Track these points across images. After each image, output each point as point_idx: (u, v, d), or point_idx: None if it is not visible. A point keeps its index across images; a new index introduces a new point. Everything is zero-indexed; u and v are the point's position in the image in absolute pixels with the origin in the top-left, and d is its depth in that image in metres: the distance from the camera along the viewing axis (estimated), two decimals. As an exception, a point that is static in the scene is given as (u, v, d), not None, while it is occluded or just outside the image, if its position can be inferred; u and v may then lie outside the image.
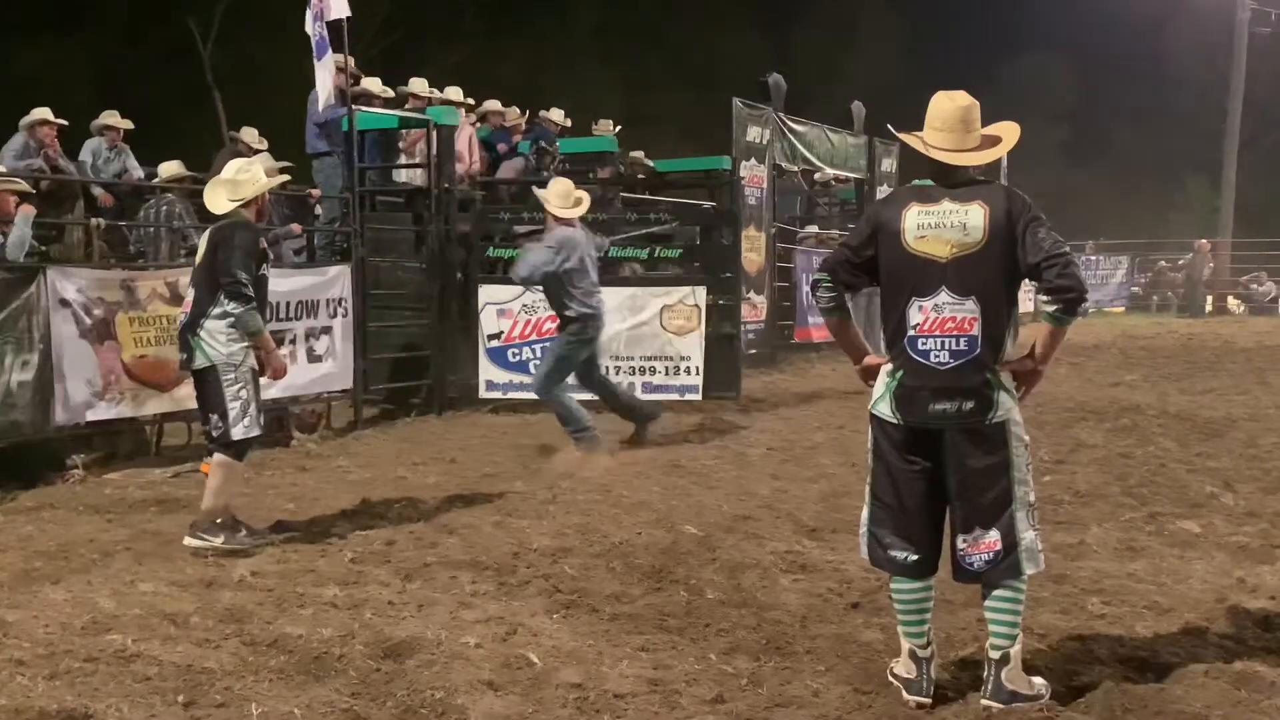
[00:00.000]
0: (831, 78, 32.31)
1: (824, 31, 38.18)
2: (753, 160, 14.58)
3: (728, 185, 13.46)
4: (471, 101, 12.04)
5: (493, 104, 12.70)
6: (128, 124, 10.34)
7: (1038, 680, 3.71)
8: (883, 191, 18.04)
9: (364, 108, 10.32)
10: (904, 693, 3.75)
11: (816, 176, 17.25)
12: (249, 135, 10.85)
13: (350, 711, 3.68)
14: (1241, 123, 28.12)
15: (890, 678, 3.84)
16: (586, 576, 5.10)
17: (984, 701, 3.64)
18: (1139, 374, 13.19)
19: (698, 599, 4.81)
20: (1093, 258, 28.55)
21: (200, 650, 4.15)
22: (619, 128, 14.24)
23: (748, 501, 6.60)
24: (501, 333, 10.10)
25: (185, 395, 7.00)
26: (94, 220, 8.80)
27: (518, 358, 10.06)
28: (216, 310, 5.58)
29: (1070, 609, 4.63)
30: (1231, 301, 27.83)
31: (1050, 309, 3.62)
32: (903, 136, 3.88)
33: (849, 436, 8.82)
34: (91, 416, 7.47)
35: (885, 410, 3.72)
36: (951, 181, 3.69)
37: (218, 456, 5.69)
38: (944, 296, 3.60)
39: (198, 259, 5.80)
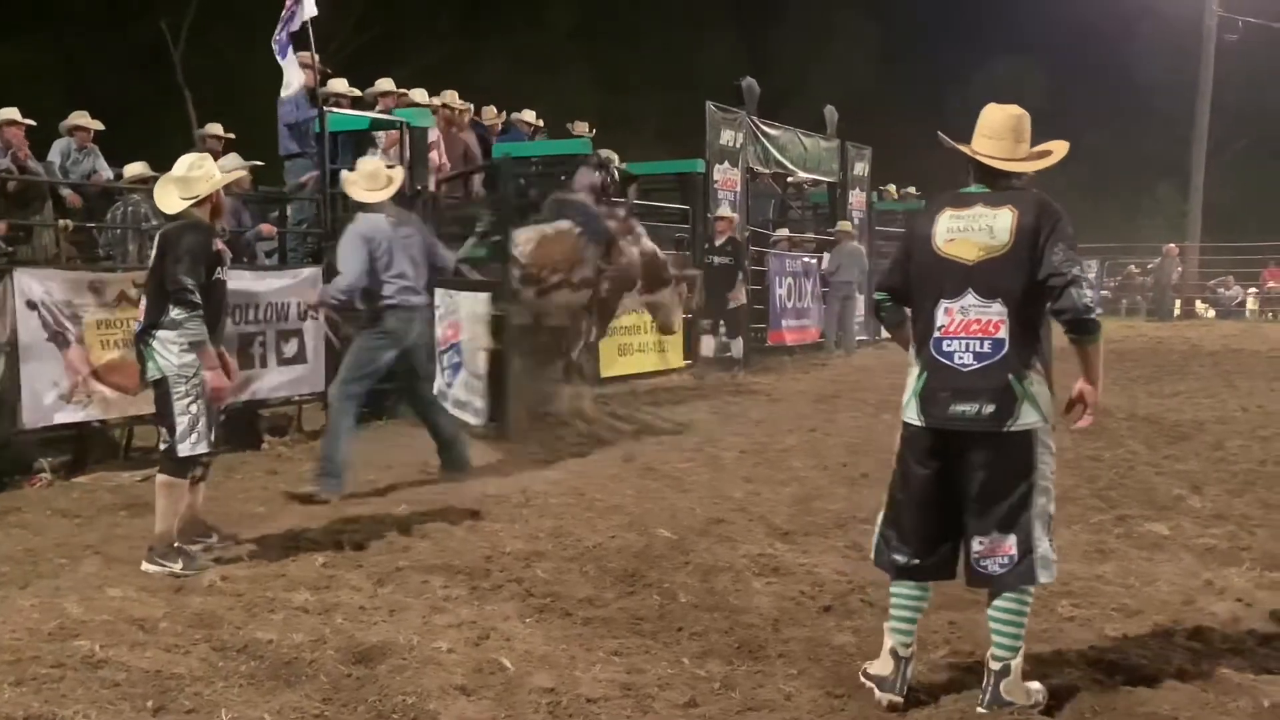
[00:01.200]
0: (805, 82, 32.41)
1: (798, 36, 38.29)
2: (726, 163, 14.63)
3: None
4: (437, 102, 11.94)
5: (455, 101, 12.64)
6: (98, 125, 10.25)
7: (1034, 686, 3.72)
8: (855, 195, 18.18)
9: (333, 109, 10.26)
10: (876, 691, 3.77)
11: (789, 180, 17.33)
12: (215, 129, 10.77)
13: (321, 717, 3.67)
14: (1210, 128, 28.43)
15: (862, 678, 3.86)
16: (559, 580, 5.10)
17: (980, 709, 3.65)
18: (1108, 377, 13.13)
19: (670, 603, 4.81)
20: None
21: (169, 656, 4.11)
22: (594, 130, 14.23)
23: (720, 505, 6.60)
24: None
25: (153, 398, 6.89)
26: (62, 221, 8.73)
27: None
28: (167, 319, 5.30)
29: (1040, 611, 4.64)
30: (1199, 305, 28.14)
31: (1065, 332, 3.66)
32: (952, 145, 3.88)
33: (821, 439, 8.85)
34: (59, 419, 7.39)
35: (911, 414, 3.74)
36: (995, 188, 3.72)
37: (161, 476, 5.42)
38: (970, 299, 3.62)
39: (150, 263, 5.53)
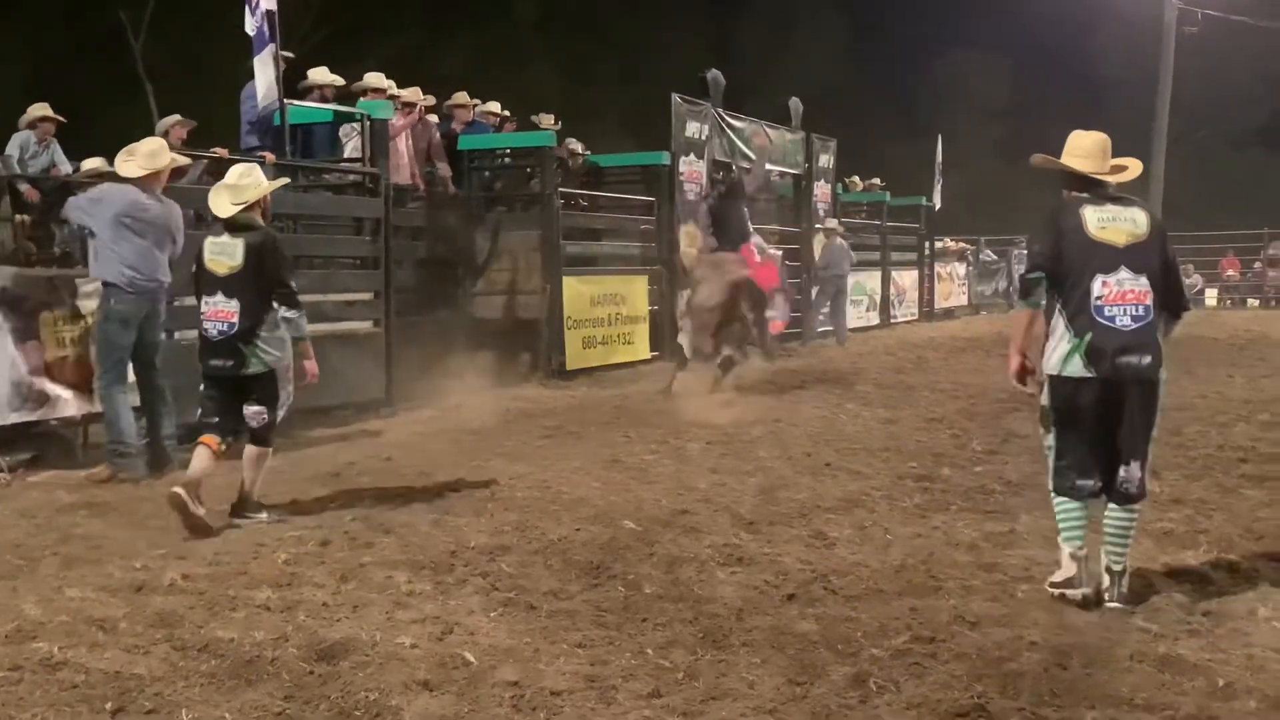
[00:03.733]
0: (769, 74, 32.47)
1: (763, 28, 38.37)
2: (692, 155, 14.63)
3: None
4: (405, 93, 11.82)
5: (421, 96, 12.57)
6: (59, 118, 10.10)
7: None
8: (820, 186, 18.28)
9: (296, 102, 10.16)
10: (1067, 592, 4.55)
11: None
12: (171, 120, 10.67)
13: (283, 715, 3.64)
14: (1169, 120, 28.72)
15: (1050, 589, 4.63)
16: (524, 574, 5.09)
17: (1111, 604, 4.53)
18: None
19: (635, 594, 4.82)
20: (1025, 252, 28.99)
21: (129, 656, 4.07)
22: (559, 122, 14.20)
23: (686, 496, 6.62)
24: None
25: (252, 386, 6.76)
26: (19, 216, 8.61)
27: None
28: (272, 318, 5.96)
29: (1000, 596, 4.72)
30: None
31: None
32: (1058, 164, 4.82)
33: (785, 430, 8.89)
34: (16, 418, 7.30)
35: (1077, 367, 4.57)
36: (1101, 194, 4.73)
37: (256, 449, 6.09)
38: (1124, 273, 4.57)
39: (226, 268, 5.95)
